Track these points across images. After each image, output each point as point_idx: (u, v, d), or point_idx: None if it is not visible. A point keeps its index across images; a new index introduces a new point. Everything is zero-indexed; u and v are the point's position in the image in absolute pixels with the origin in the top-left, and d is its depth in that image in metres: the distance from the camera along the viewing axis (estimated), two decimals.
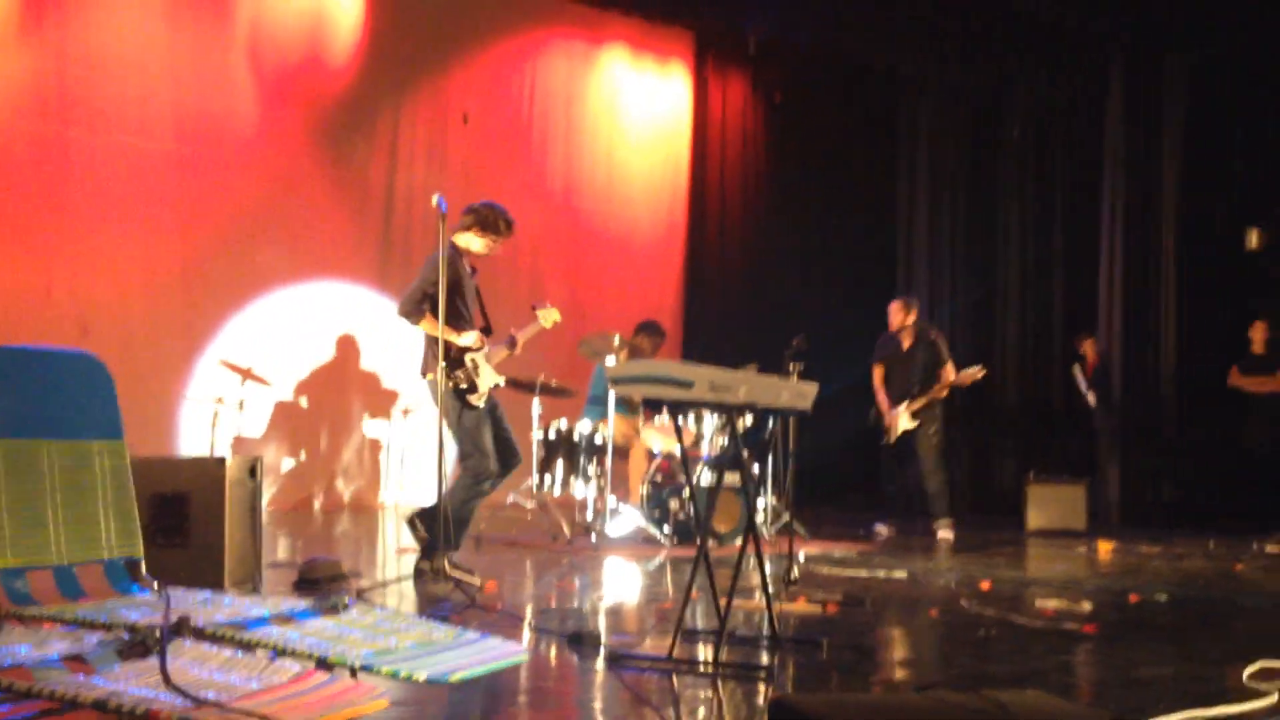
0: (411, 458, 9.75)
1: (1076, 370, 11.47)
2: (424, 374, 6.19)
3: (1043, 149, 11.78)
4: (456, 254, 6.17)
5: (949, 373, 8.90)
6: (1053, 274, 11.79)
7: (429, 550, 5.93)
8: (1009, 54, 10.93)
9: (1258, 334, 10.96)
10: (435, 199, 5.76)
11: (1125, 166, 10.66)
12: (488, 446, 6.12)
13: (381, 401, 9.98)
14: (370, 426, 10.03)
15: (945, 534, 8.82)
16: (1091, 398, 10.97)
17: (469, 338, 6.10)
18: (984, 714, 2.48)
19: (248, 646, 2.97)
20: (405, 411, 9.76)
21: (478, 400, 6.09)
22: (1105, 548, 8.50)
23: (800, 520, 7.86)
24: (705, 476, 7.76)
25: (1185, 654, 4.69)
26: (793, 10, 10.27)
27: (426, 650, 3.16)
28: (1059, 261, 11.78)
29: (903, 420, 8.94)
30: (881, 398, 9.11)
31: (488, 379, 6.15)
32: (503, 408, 6.29)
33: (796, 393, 4.63)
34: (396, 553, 7.24)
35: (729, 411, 4.41)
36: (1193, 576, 7.12)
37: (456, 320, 6.07)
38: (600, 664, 4.24)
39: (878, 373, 9.21)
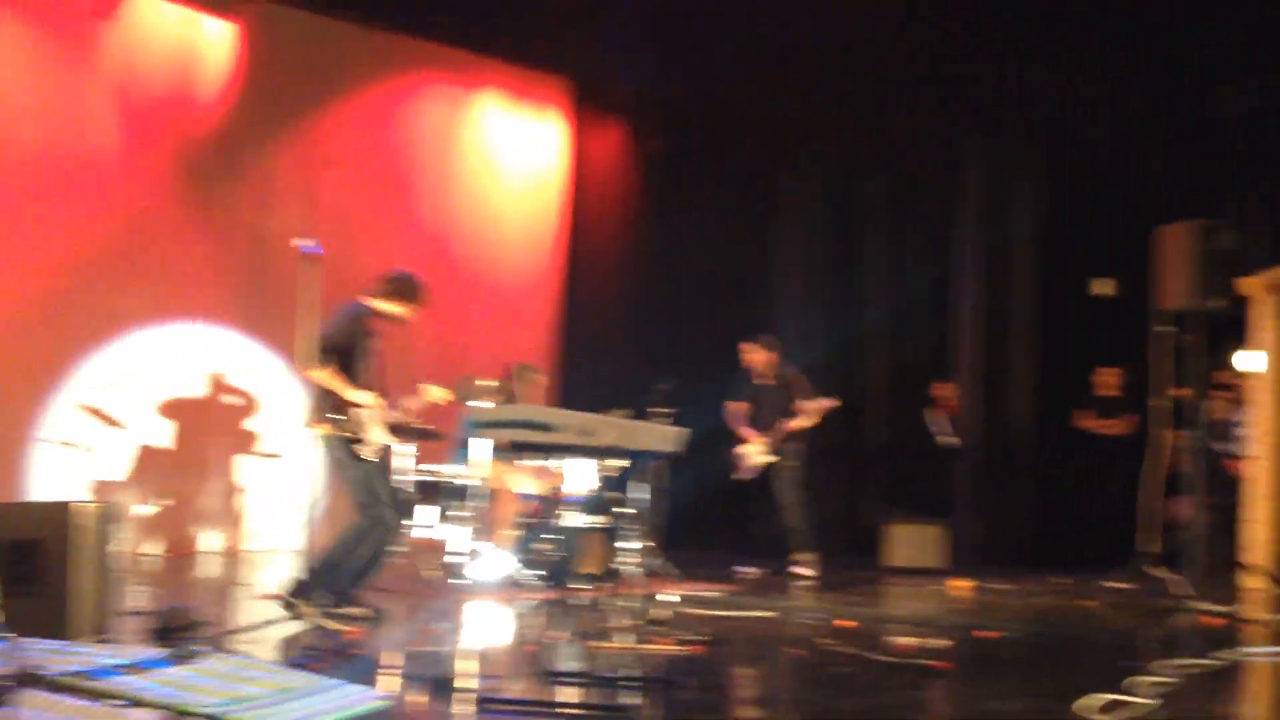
0: (274, 503, 9.62)
1: (931, 412, 11.78)
2: (309, 424, 6.24)
3: (906, 196, 12.13)
4: (367, 313, 6.36)
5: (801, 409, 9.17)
6: (914, 319, 12.11)
7: (302, 591, 6.04)
8: (869, 107, 11.26)
9: (1108, 378, 11.42)
10: (305, 243, 5.81)
11: (983, 214, 11.03)
12: (384, 495, 6.22)
13: (244, 445, 9.84)
14: (232, 471, 9.86)
15: (803, 569, 9.00)
16: (948, 440, 11.27)
17: (362, 396, 6.16)
18: None
19: (99, 697, 2.95)
20: (272, 456, 9.63)
21: (367, 453, 6.16)
22: (961, 585, 8.75)
23: (669, 562, 7.94)
24: (574, 519, 7.80)
25: (1032, 688, 4.88)
26: (668, 63, 10.46)
27: (284, 698, 3.17)
28: (920, 307, 12.11)
29: (762, 455, 9.13)
30: (741, 429, 9.29)
31: (377, 435, 6.22)
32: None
33: (663, 436, 4.74)
34: (256, 599, 7.13)
35: (598, 455, 4.48)
36: (1042, 613, 7.38)
37: (353, 378, 6.17)
38: (463, 708, 4.25)
39: (739, 409, 9.37)
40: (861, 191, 12.20)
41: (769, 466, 9.17)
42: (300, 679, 3.35)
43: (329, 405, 6.14)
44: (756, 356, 9.38)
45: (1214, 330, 8.48)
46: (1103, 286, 11.93)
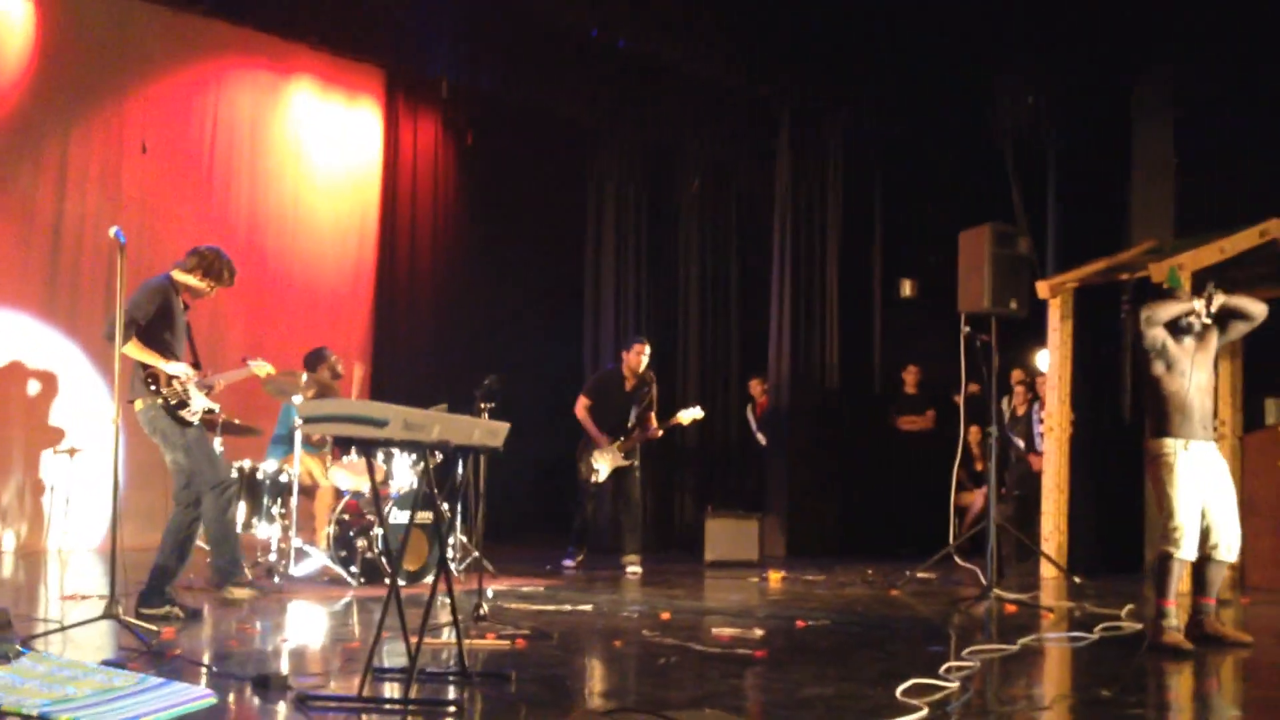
0: (78, 499, 9.26)
1: (749, 410, 12.09)
2: (131, 400, 6.29)
3: (719, 198, 12.39)
4: (172, 287, 6.40)
5: (653, 418, 9.25)
6: (729, 317, 12.38)
7: (225, 578, 6.54)
8: (682, 110, 11.45)
9: (909, 376, 11.88)
10: (113, 231, 5.65)
11: (794, 217, 11.32)
12: (215, 456, 6.54)
13: (46, 440, 9.44)
14: (34, 466, 9.44)
15: (638, 568, 9.11)
16: (761, 437, 11.57)
17: (176, 367, 6.28)
18: None
19: None
20: (72, 451, 9.26)
21: (191, 416, 6.31)
22: (775, 577, 8.99)
23: (488, 557, 7.94)
24: (395, 515, 7.74)
25: (846, 675, 5.04)
26: (482, 56, 10.42)
27: (108, 697, 3.08)
28: (735, 305, 12.39)
29: (615, 457, 9.18)
30: (593, 427, 9.30)
31: (200, 402, 6.37)
32: None
33: (488, 431, 4.74)
34: (62, 599, 6.86)
35: (422, 450, 4.46)
36: (853, 602, 7.63)
37: (164, 350, 6.28)
38: (287, 706, 4.19)
39: (585, 403, 9.42)
40: (676, 190, 12.40)
41: (622, 469, 9.22)
42: (124, 678, 3.27)
43: (144, 378, 6.24)
44: (644, 357, 9.40)
45: (1011, 331, 8.91)
46: (905, 287, 12.41)
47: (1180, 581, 5.90)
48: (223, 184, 10.84)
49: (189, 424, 6.32)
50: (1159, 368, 5.96)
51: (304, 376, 7.73)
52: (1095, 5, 10.56)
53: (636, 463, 9.33)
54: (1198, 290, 6.14)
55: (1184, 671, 5.44)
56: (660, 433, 9.37)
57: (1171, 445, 5.91)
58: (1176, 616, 5.83)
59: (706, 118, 11.62)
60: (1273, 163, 9.94)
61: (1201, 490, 5.89)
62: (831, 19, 10.78)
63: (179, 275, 6.45)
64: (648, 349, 9.45)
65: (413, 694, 4.26)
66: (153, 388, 6.23)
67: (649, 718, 2.77)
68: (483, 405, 6.34)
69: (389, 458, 7.93)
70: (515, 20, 10.04)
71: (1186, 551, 5.83)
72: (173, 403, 6.25)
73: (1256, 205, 9.15)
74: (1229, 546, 5.96)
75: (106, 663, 4.47)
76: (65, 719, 2.84)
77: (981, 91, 11.17)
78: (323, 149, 11.53)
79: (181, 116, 10.59)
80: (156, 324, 6.28)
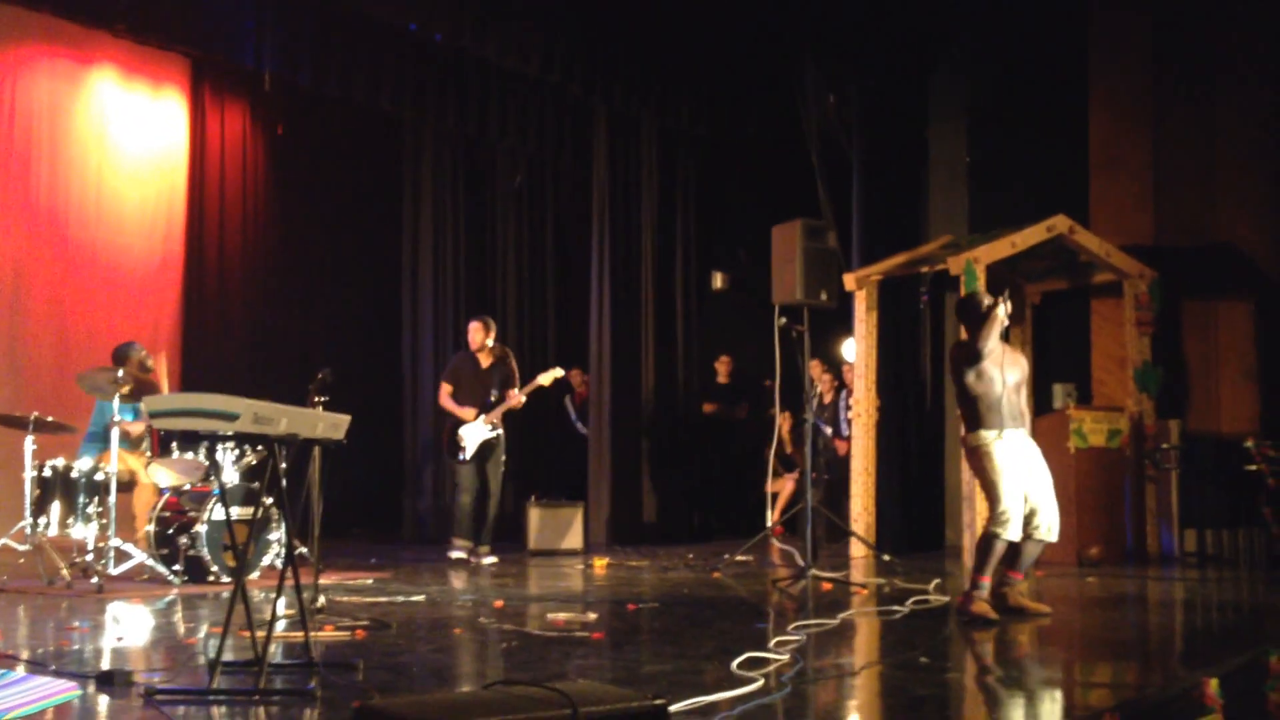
0: None
1: (567, 401, 12.26)
2: None
3: (537, 193, 12.50)
4: None
5: (518, 388, 9.40)
6: (547, 310, 12.51)
7: None
8: (500, 106, 11.52)
9: (722, 367, 12.24)
10: None
11: (611, 212, 11.53)
12: None
13: None
14: None
15: (493, 558, 9.22)
16: (581, 427, 11.75)
17: None
18: (552, 699, 2.79)
19: None
20: None
21: None
22: (600, 564, 9.19)
23: (310, 550, 7.90)
24: (218, 511, 7.63)
25: (681, 652, 5.25)
26: (294, 46, 10.26)
27: None
28: (553, 299, 12.53)
29: (482, 429, 9.23)
30: (456, 408, 9.37)
31: None
32: None
33: (331, 424, 4.78)
34: None
35: (271, 444, 4.48)
36: (677, 585, 7.88)
37: None
38: (139, 701, 4.17)
39: (446, 389, 9.47)
40: (494, 184, 12.47)
41: (481, 451, 9.26)
42: None
43: None
44: (479, 335, 9.51)
45: (820, 321, 9.30)
46: (717, 280, 12.76)
47: (997, 558, 6.29)
48: (21, 173, 10.42)
49: None
50: (970, 376, 6.32)
51: (120, 372, 7.55)
52: (893, 7, 11.07)
53: (503, 454, 9.41)
54: (997, 290, 6.55)
55: (991, 637, 5.85)
56: (523, 399, 9.45)
57: (986, 436, 6.29)
58: (988, 590, 6.25)
59: (524, 114, 11.71)
60: (1057, 163, 10.61)
61: (1020, 475, 6.30)
62: (646, 18, 11.00)
63: None
64: (479, 325, 9.59)
65: (263, 685, 4.29)
66: None
67: (530, 688, 2.89)
68: (317, 399, 6.32)
69: (211, 453, 7.80)
70: (330, 11, 9.94)
71: (1012, 532, 6.23)
72: None
73: (1044, 203, 9.77)
74: (1049, 527, 6.37)
75: None
76: None
77: (789, 90, 11.57)
78: (127, 137, 11.19)
79: None
80: None
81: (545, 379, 9.54)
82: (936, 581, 7.55)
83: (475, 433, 9.28)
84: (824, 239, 9.81)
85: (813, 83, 11.49)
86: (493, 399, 9.36)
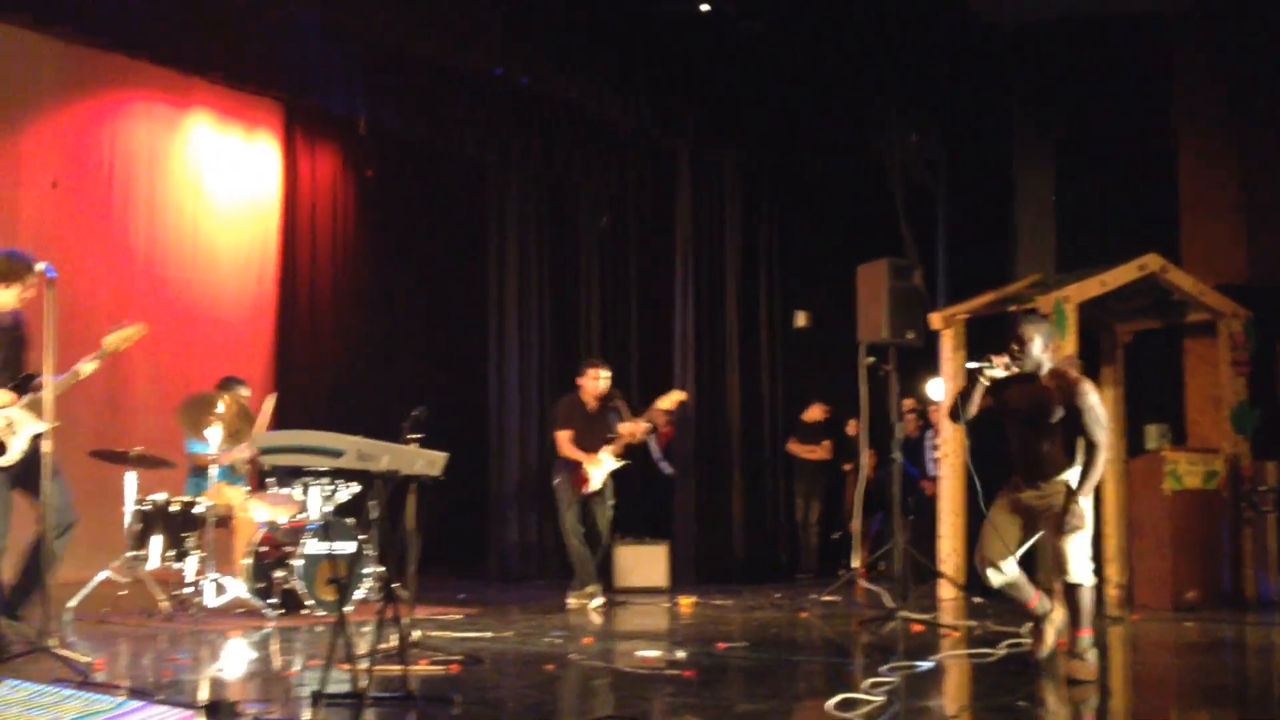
0: None
1: (650, 439, 12.27)
2: None
3: (620, 233, 12.60)
4: None
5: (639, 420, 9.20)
6: (630, 348, 12.56)
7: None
8: (583, 148, 11.66)
9: (814, 411, 12.22)
10: (41, 266, 5.68)
11: (694, 252, 11.59)
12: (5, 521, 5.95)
13: None
14: None
15: (601, 599, 8.94)
16: (667, 466, 11.77)
17: None
18: None
19: None
20: None
21: (6, 462, 5.90)
22: (686, 602, 9.18)
23: (403, 586, 7.99)
24: (311, 546, 7.76)
25: (773, 692, 5.25)
26: (383, 91, 10.47)
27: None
28: (636, 337, 12.58)
29: (608, 461, 9.10)
30: (579, 453, 9.08)
31: (23, 436, 5.91)
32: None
33: (428, 460, 4.87)
34: None
35: (372, 480, 4.57)
36: (765, 625, 7.86)
37: None
38: None
39: (568, 435, 9.16)
40: (577, 225, 12.59)
41: (590, 499, 9.06)
42: (103, 703, 3.33)
43: None
44: (606, 382, 9.24)
45: (906, 360, 9.26)
46: (800, 319, 12.77)
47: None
48: (121, 217, 10.73)
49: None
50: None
51: (220, 405, 7.71)
52: (975, 46, 11.06)
53: (614, 500, 9.18)
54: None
55: (1090, 683, 5.76)
56: (647, 426, 9.33)
57: None
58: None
59: (607, 155, 11.84)
60: (1146, 202, 10.52)
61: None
62: (726, 60, 11.09)
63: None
64: (603, 372, 9.29)
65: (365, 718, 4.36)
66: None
67: None
68: (411, 436, 6.40)
69: (306, 489, 7.95)
70: (418, 56, 10.13)
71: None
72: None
73: (1132, 243, 9.66)
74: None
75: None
76: None
77: (870, 128, 11.58)
78: (222, 181, 11.49)
79: (79, 150, 10.48)
80: None
81: (666, 403, 9.39)
82: (1029, 625, 7.44)
83: (601, 464, 9.12)
84: (910, 277, 9.78)
85: (894, 121, 11.50)
86: (610, 435, 9.22)
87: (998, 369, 5.89)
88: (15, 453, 5.87)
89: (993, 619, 7.93)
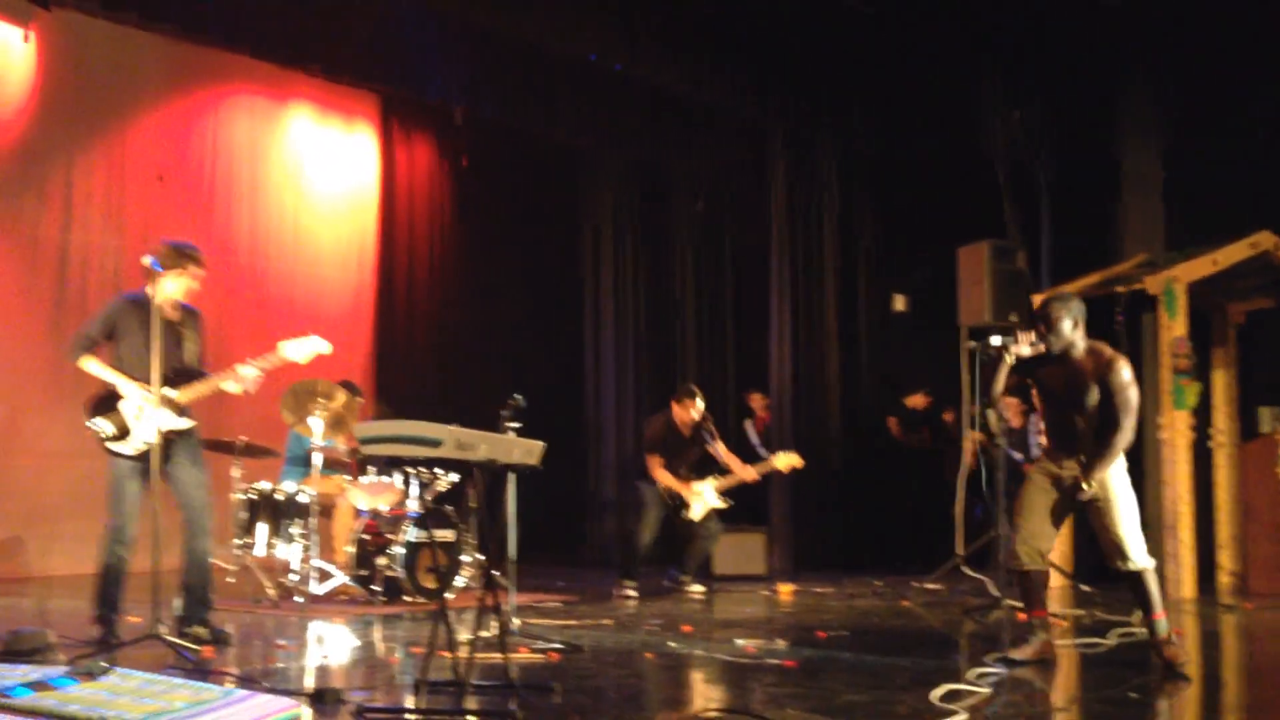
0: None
1: (748, 425, 12.20)
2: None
3: (714, 217, 12.53)
4: (131, 303, 6.10)
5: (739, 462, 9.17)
6: (725, 335, 12.49)
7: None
8: (677, 132, 11.60)
9: (914, 396, 12.05)
10: (147, 260, 5.79)
11: (790, 236, 11.48)
12: (125, 507, 5.91)
13: (55, 466, 9.44)
14: (46, 490, 9.44)
15: (700, 585, 9.07)
16: (762, 452, 11.68)
17: (124, 385, 5.93)
18: None
19: (24, 715, 2.91)
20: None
21: (125, 447, 5.90)
22: (786, 590, 9.11)
23: (502, 573, 8.03)
24: (413, 533, 7.83)
25: (877, 683, 5.17)
26: (478, 80, 10.52)
27: (200, 709, 3.18)
28: (730, 323, 12.50)
29: (710, 495, 9.09)
30: (674, 481, 9.07)
31: (142, 432, 5.89)
32: (191, 470, 6.06)
33: (526, 449, 4.87)
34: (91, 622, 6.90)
35: (472, 468, 4.58)
36: (866, 614, 7.76)
37: (120, 367, 5.99)
38: (350, 718, 4.29)
39: (659, 461, 9.12)
40: (671, 210, 12.55)
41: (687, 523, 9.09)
42: (211, 691, 3.36)
43: (94, 400, 5.97)
44: (699, 411, 9.13)
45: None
46: (899, 303, 12.59)
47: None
48: (224, 209, 10.92)
49: (121, 456, 5.90)
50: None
51: (327, 399, 7.78)
52: (1080, 22, 10.77)
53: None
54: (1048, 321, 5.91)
55: (1199, 673, 5.59)
56: (757, 477, 9.29)
57: None
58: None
59: (701, 139, 11.77)
60: (1259, 176, 10.15)
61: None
62: (822, 41, 10.96)
63: (150, 289, 6.01)
64: (700, 403, 9.13)
65: (465, 706, 4.37)
66: (98, 415, 5.92)
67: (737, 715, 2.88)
68: (509, 425, 6.41)
69: (407, 478, 8.03)
70: (512, 45, 10.15)
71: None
72: (101, 436, 5.88)
73: (1243, 221, 9.35)
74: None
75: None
76: None
77: (969, 105, 11.35)
78: (321, 173, 11.64)
79: (182, 143, 10.68)
80: (115, 342, 6.01)
81: (781, 463, 9.28)
82: (1138, 613, 7.25)
83: (704, 501, 9.11)
84: (1013, 259, 9.61)
85: (997, 97, 11.25)
86: (710, 458, 9.17)
87: (1024, 345, 5.74)
88: (139, 441, 5.88)
89: (1102, 608, 7.77)
